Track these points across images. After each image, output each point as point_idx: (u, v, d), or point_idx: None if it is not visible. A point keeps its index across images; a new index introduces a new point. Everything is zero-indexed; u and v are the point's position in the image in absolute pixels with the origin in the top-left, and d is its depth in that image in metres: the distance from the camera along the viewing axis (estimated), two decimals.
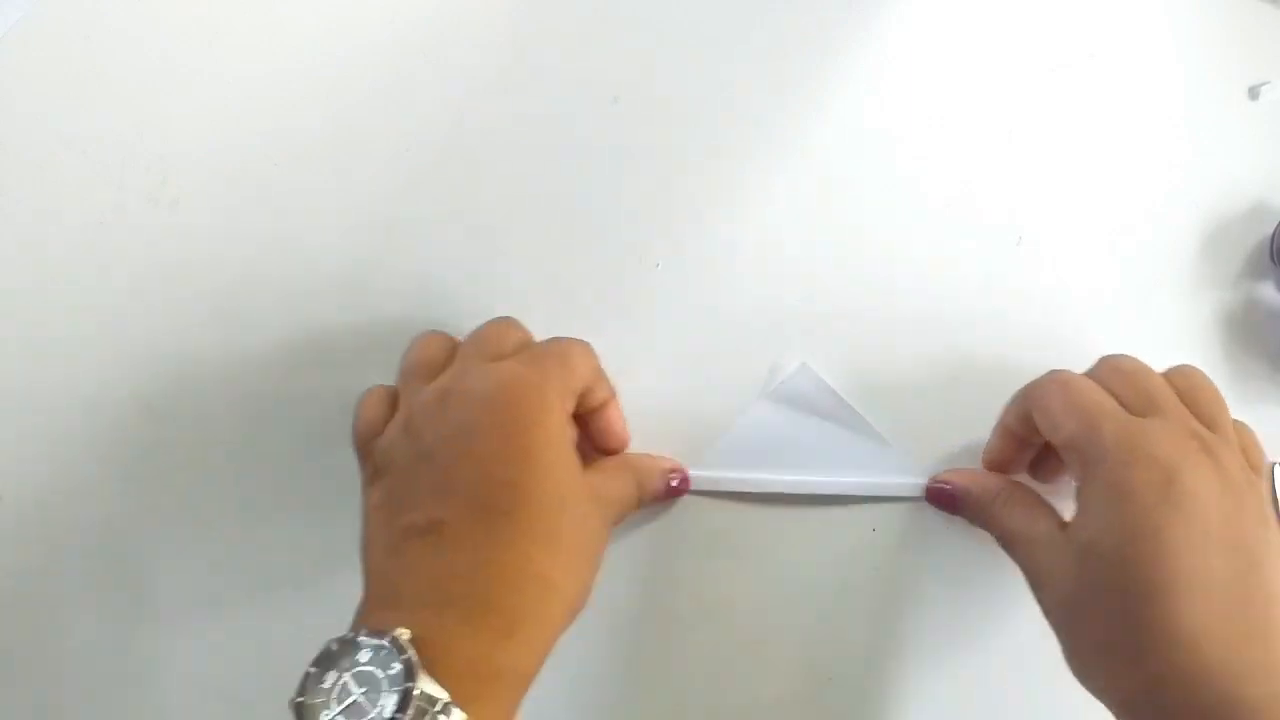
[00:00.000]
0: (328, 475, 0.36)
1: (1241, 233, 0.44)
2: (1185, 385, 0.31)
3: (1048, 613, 0.30)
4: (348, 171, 0.39)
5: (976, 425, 0.39)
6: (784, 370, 0.37)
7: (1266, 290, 0.43)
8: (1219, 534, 0.27)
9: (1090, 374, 0.33)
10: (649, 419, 0.38)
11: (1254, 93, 0.46)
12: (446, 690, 0.23)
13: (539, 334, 0.38)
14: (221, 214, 0.38)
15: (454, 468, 0.27)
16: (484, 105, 0.41)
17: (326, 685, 0.24)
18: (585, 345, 0.33)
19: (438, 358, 0.32)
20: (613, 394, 0.34)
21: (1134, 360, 0.32)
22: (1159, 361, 0.42)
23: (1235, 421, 0.32)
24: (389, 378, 0.37)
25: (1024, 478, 0.36)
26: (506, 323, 0.33)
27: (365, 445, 0.31)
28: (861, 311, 0.40)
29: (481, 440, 0.28)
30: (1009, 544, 0.33)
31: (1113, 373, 0.32)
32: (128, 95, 0.39)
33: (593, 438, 0.34)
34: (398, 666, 0.23)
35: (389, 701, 0.23)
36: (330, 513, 0.36)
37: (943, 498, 0.36)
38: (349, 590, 0.35)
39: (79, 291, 0.37)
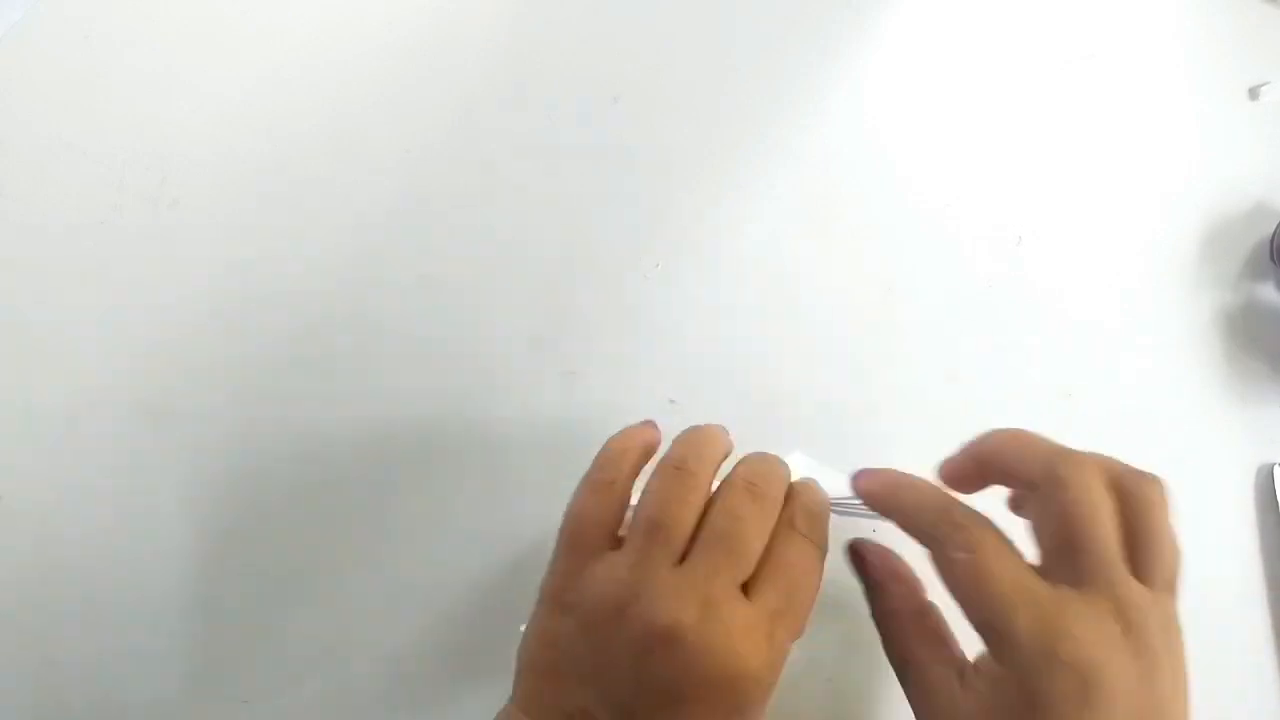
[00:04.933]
0: (327, 473, 0.36)
1: (1241, 233, 0.44)
2: (1135, 524, 0.28)
3: None
4: (348, 172, 0.39)
5: (969, 425, 0.39)
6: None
7: (1266, 290, 0.43)
8: (1136, 716, 0.26)
9: (1032, 479, 0.29)
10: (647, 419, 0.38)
11: (1254, 93, 0.46)
12: None
13: (541, 337, 0.38)
14: (221, 214, 0.38)
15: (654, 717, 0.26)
16: (484, 106, 0.41)
17: None
18: (817, 563, 0.30)
19: (690, 523, 0.29)
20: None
21: (1089, 489, 0.28)
22: (1159, 362, 0.42)
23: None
24: (389, 376, 0.37)
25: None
26: (763, 508, 0.29)
27: (574, 546, 0.29)
28: (862, 311, 0.40)
29: (693, 708, 0.26)
30: (902, 671, 0.30)
31: (1054, 507, 0.28)
32: (128, 95, 0.39)
33: None
34: None
35: None
36: (331, 511, 0.36)
37: (858, 564, 0.33)
38: (350, 589, 0.35)
39: (79, 291, 0.37)
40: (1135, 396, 0.41)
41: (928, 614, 0.31)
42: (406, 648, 0.35)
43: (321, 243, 0.38)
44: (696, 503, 0.29)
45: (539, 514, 0.36)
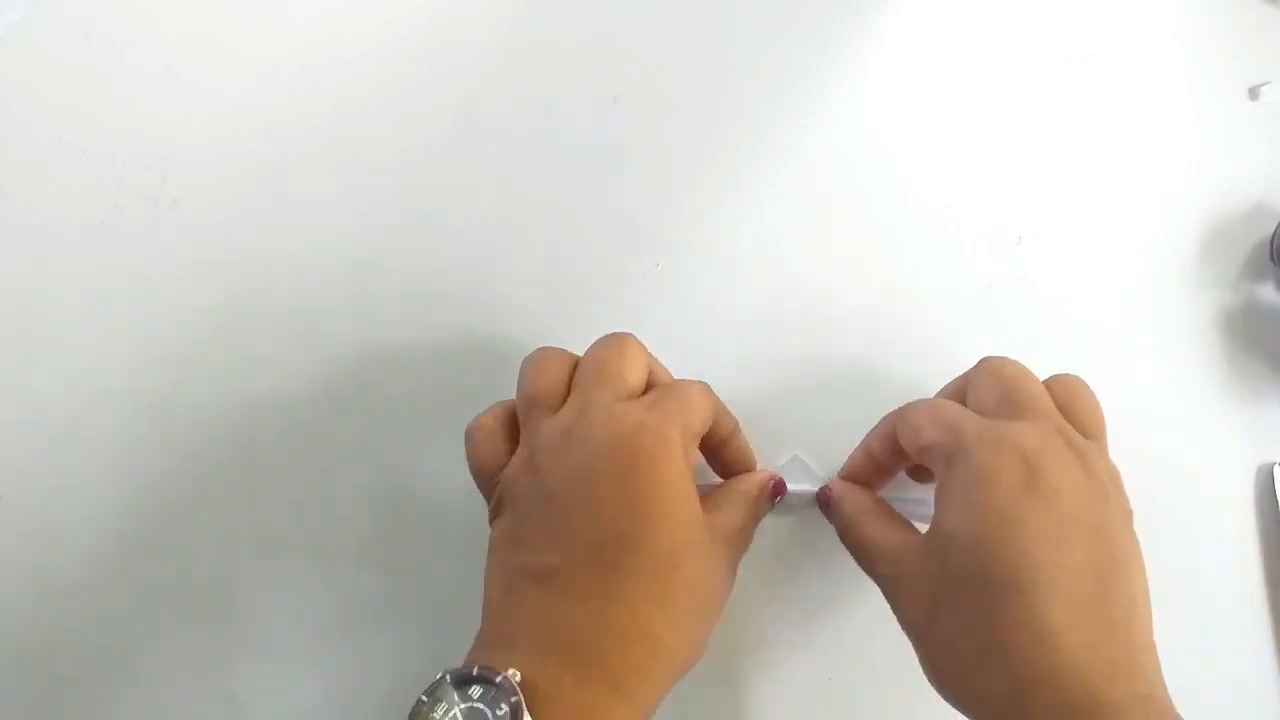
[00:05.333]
0: (327, 473, 0.36)
1: (1241, 233, 0.44)
2: (1065, 396, 0.31)
3: (907, 624, 0.29)
4: (349, 171, 0.39)
5: None
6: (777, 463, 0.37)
7: (1266, 290, 0.43)
8: (1082, 525, 0.26)
9: (968, 381, 0.32)
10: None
11: (1254, 93, 0.46)
12: None
13: (540, 337, 0.38)
14: (221, 214, 0.38)
15: (571, 513, 0.27)
16: (485, 106, 0.41)
17: (438, 715, 0.24)
18: (704, 387, 0.32)
19: (559, 385, 0.30)
20: (737, 425, 0.34)
21: (1014, 365, 0.31)
22: (1159, 362, 0.42)
23: None
24: (388, 375, 0.37)
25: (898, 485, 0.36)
26: (625, 348, 0.31)
27: (487, 479, 0.31)
28: (861, 311, 0.40)
29: (599, 487, 0.27)
30: (867, 555, 0.32)
31: (988, 377, 0.31)
32: (128, 95, 0.39)
33: (722, 468, 0.34)
34: (505, 708, 0.24)
35: None
36: (330, 512, 0.36)
37: (823, 501, 0.35)
38: (351, 588, 0.35)
39: (79, 291, 0.37)
40: (1135, 396, 0.41)
41: (883, 507, 0.33)
42: (407, 648, 0.35)
43: (321, 243, 0.38)
44: (558, 368, 0.31)
45: None
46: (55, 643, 0.34)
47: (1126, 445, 0.40)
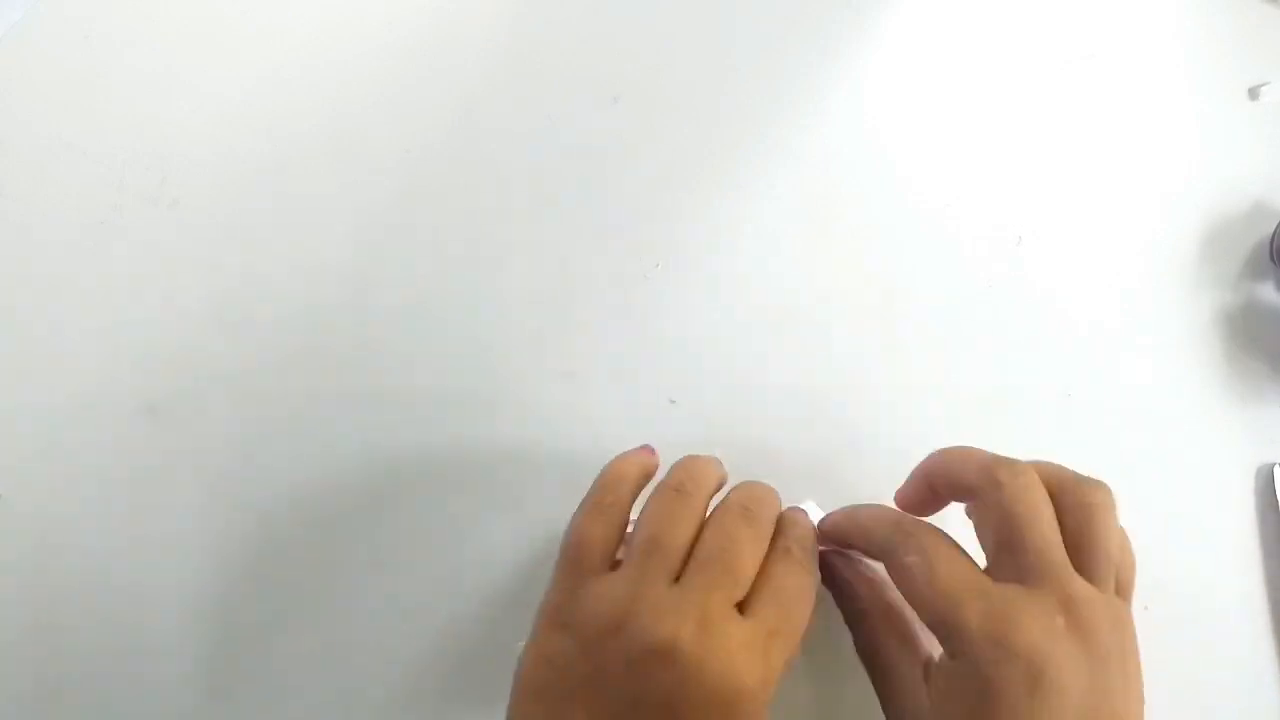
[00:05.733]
0: (327, 473, 0.36)
1: (1241, 233, 0.44)
2: (1076, 526, 0.28)
3: None
4: (348, 171, 0.39)
5: (969, 425, 0.39)
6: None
7: (1266, 290, 0.44)
8: (1086, 714, 0.26)
9: (976, 498, 0.30)
10: (647, 420, 0.38)
11: (1254, 93, 0.46)
12: None
13: (540, 336, 0.38)
14: (221, 214, 0.38)
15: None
16: (485, 106, 0.41)
17: None
18: (810, 588, 0.29)
19: (683, 542, 0.29)
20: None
21: (1027, 489, 0.29)
22: (1159, 362, 0.42)
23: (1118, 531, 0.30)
24: (388, 375, 0.37)
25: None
26: (751, 531, 0.29)
27: (574, 566, 0.29)
28: (861, 311, 0.40)
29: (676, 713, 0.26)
30: (871, 668, 0.31)
31: (988, 516, 0.29)
32: (128, 95, 0.39)
33: None
34: None
35: None
36: (330, 510, 0.36)
37: (827, 572, 0.33)
38: (350, 589, 0.35)
39: (79, 291, 0.37)
40: (1135, 396, 0.41)
41: (895, 613, 0.31)
42: (406, 654, 0.35)
43: (321, 242, 0.38)
44: (692, 523, 0.29)
45: (538, 515, 0.36)
46: (55, 643, 0.34)
47: (1127, 445, 0.40)
